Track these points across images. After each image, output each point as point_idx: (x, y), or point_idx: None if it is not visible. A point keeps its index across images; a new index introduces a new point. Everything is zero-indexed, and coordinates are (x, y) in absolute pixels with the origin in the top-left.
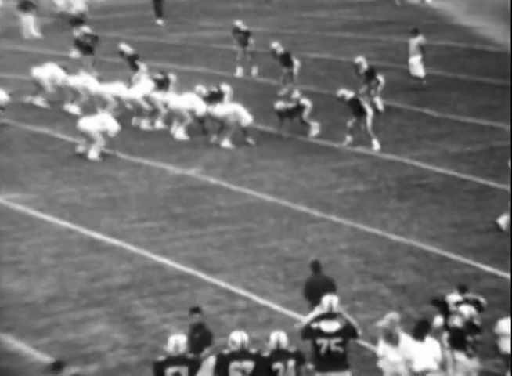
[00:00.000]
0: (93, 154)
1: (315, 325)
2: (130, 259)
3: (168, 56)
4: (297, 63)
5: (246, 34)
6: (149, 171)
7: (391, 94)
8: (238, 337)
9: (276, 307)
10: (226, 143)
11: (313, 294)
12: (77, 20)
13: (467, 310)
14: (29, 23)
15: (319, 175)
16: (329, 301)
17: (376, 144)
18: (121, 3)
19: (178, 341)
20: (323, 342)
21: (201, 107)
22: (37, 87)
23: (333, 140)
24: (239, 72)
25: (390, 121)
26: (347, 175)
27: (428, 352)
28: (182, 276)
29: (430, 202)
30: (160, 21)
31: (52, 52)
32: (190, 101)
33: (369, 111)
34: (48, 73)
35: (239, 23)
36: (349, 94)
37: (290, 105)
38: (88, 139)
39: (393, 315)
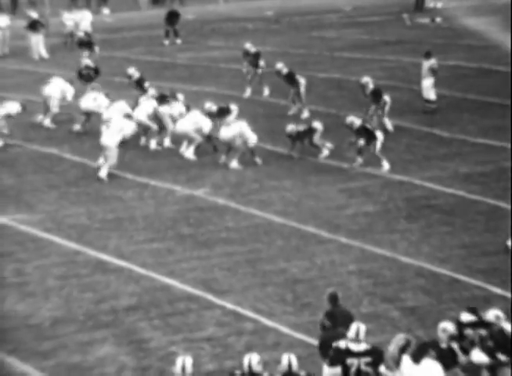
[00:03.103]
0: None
1: (343, 345)
2: (137, 281)
3: (177, 76)
4: (302, 81)
5: (256, 55)
6: (157, 192)
7: (401, 114)
8: (246, 359)
9: (285, 329)
10: (234, 164)
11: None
12: (85, 43)
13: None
14: (38, 43)
15: (327, 196)
16: (357, 328)
17: (385, 165)
18: (129, 23)
19: (185, 363)
20: (353, 362)
21: (207, 125)
22: (45, 107)
23: (342, 160)
24: (248, 92)
25: (399, 141)
26: (356, 195)
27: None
28: (190, 297)
29: (439, 223)
30: (178, 40)
31: (60, 72)
32: (195, 121)
33: (380, 136)
34: (58, 91)
35: (248, 46)
36: (357, 121)
37: (301, 128)
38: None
39: (400, 337)
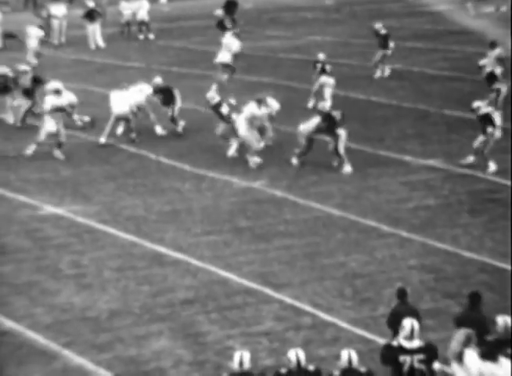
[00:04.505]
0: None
1: (395, 343)
2: (194, 274)
3: (236, 66)
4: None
5: (386, 37)
6: (214, 184)
7: (464, 105)
8: (293, 355)
9: (343, 324)
10: (294, 160)
11: (397, 324)
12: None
13: None
14: (94, 33)
15: (388, 189)
16: (411, 324)
17: (492, 166)
18: (187, 12)
19: (242, 358)
20: (406, 359)
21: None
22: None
23: (403, 153)
24: (379, 73)
25: (462, 133)
26: (417, 188)
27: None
28: (247, 291)
29: (503, 217)
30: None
31: (117, 62)
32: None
33: (498, 123)
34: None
35: (378, 27)
36: (485, 108)
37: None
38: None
39: (461, 333)
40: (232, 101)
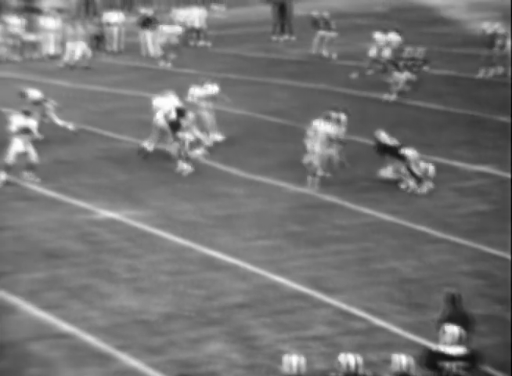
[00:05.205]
0: None
1: (436, 348)
2: (246, 278)
3: (287, 72)
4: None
5: (493, 36)
6: (266, 189)
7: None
8: (343, 360)
9: (395, 329)
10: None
11: None
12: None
13: None
14: (150, 40)
15: (439, 195)
16: (453, 331)
17: None
18: (241, 19)
19: (295, 362)
20: (446, 365)
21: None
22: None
23: (454, 159)
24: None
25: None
26: (468, 194)
27: None
28: (299, 295)
29: None
30: (291, 37)
31: (173, 69)
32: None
33: None
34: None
35: (486, 26)
36: None
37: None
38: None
39: None
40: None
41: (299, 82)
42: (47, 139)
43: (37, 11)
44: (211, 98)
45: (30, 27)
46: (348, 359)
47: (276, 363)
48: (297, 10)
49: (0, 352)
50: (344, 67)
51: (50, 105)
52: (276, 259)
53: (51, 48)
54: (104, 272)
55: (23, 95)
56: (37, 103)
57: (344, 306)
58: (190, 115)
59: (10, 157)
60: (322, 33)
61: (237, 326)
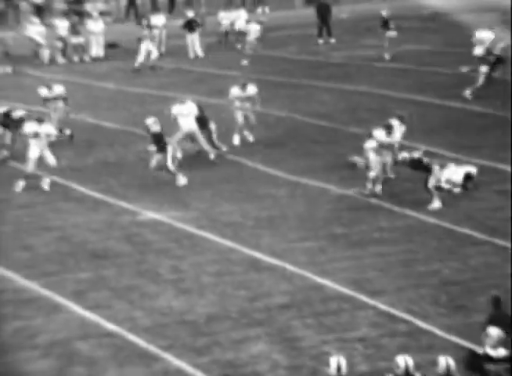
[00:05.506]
0: None
1: (481, 351)
2: (290, 279)
3: (330, 75)
4: None
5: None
6: (309, 191)
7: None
8: (402, 361)
9: (438, 332)
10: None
11: None
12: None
13: None
14: (194, 42)
15: (482, 197)
16: (497, 333)
17: None
18: (284, 22)
19: (340, 363)
20: (491, 368)
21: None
22: None
23: (498, 161)
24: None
25: None
26: None
27: None
28: (342, 297)
29: None
30: (332, 40)
31: (216, 71)
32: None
33: None
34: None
35: None
36: None
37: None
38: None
39: None
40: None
41: (342, 85)
42: (92, 141)
43: (83, 14)
44: (249, 99)
45: (76, 30)
46: (407, 360)
47: (319, 364)
48: (340, 13)
49: (46, 351)
50: (386, 69)
51: (62, 105)
52: (320, 261)
53: (94, 51)
54: (149, 272)
55: (49, 87)
56: (50, 99)
57: (387, 308)
58: (212, 125)
59: (30, 165)
60: (390, 33)
61: (280, 327)
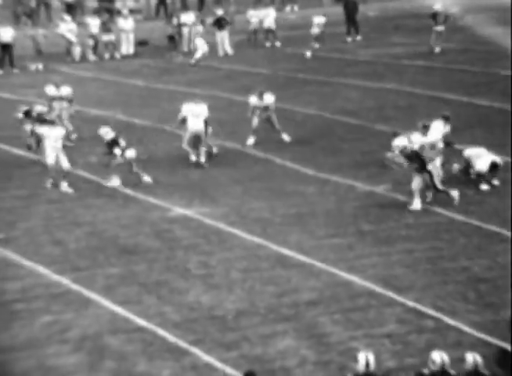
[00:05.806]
0: None
1: (510, 348)
2: (318, 275)
3: (358, 73)
4: None
5: None
6: (337, 188)
7: None
8: (438, 357)
9: (466, 328)
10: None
11: None
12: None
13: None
14: (223, 40)
15: (510, 194)
16: None
17: None
18: (311, 20)
19: (368, 359)
20: None
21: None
22: None
23: None
24: None
25: None
26: None
27: None
28: (370, 293)
29: None
30: (358, 37)
31: (244, 69)
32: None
33: None
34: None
35: None
36: None
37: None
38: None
39: None
40: None
41: (369, 82)
42: (122, 137)
43: (114, 12)
44: (266, 108)
45: (106, 28)
46: (443, 356)
47: (347, 360)
48: (368, 11)
49: (77, 346)
50: (414, 67)
51: (66, 105)
52: (347, 257)
53: (125, 48)
54: (178, 268)
55: (57, 85)
56: (56, 98)
57: (415, 305)
58: (210, 129)
59: (51, 170)
60: (438, 28)
61: (308, 323)
